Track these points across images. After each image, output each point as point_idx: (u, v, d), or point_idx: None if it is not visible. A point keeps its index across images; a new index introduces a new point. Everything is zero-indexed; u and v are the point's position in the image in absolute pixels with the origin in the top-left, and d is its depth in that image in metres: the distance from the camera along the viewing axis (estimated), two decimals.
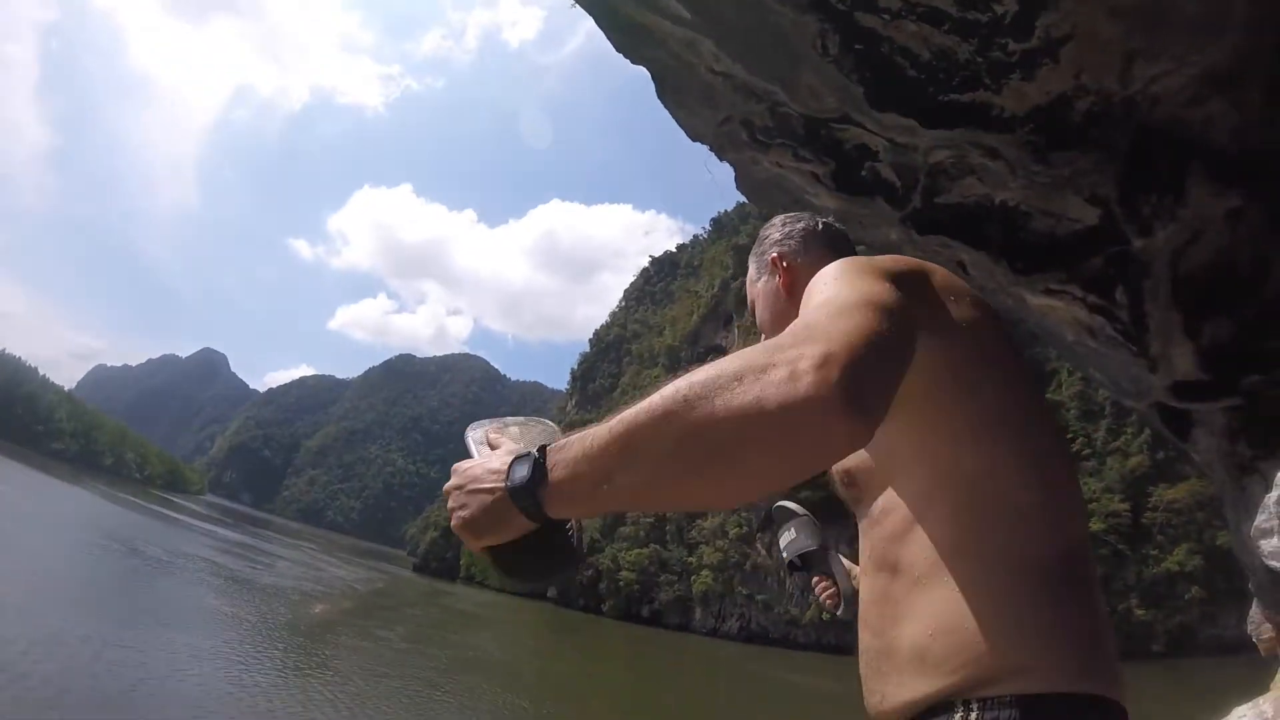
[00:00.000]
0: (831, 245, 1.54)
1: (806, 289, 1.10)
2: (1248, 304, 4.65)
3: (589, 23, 5.70)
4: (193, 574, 36.77)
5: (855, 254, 1.48)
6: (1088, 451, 68.60)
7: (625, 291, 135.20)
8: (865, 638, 1.16)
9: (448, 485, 0.99)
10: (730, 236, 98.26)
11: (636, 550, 71.08)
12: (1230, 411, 5.45)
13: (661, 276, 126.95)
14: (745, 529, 67.24)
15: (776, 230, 1.62)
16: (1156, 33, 3.95)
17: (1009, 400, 1.10)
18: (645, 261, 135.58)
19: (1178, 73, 4.04)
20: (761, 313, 1.55)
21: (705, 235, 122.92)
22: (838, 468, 1.24)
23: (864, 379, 0.77)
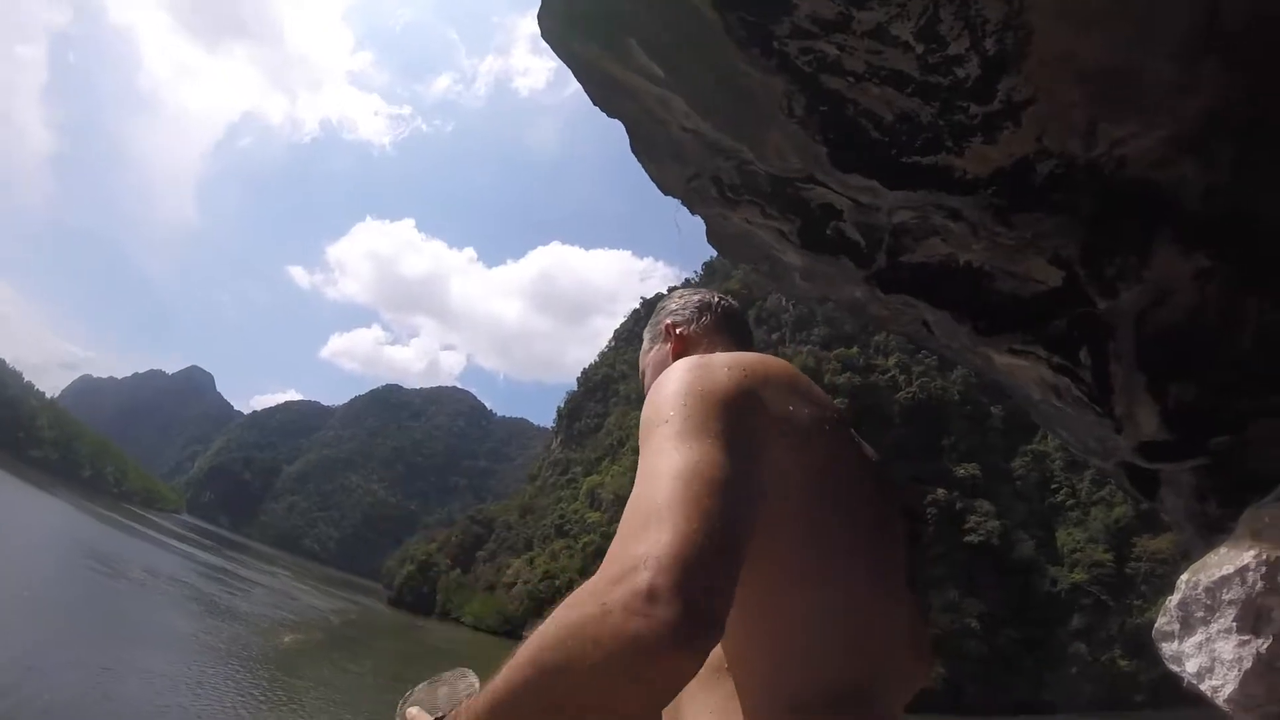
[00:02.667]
0: (727, 323, 1.56)
1: (656, 383, 1.11)
2: (1216, 365, 4.65)
3: None
4: (165, 595, 36.28)
5: (750, 336, 1.58)
6: (1071, 502, 69.12)
7: (615, 332, 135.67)
8: None
9: None
10: (722, 280, 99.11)
11: None
12: (1198, 471, 5.44)
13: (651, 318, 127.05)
14: None
15: (674, 301, 1.64)
16: (1122, 97, 3.99)
17: (822, 549, 1.06)
18: (637, 304, 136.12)
19: (1145, 135, 4.06)
20: (648, 380, 1.53)
21: (697, 279, 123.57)
22: None
23: (699, 600, 0.77)
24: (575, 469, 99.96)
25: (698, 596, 0.76)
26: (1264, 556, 1.64)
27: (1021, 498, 70.93)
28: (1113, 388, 5.05)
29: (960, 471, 69.06)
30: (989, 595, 60.43)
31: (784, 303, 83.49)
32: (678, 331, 1.54)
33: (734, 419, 1.01)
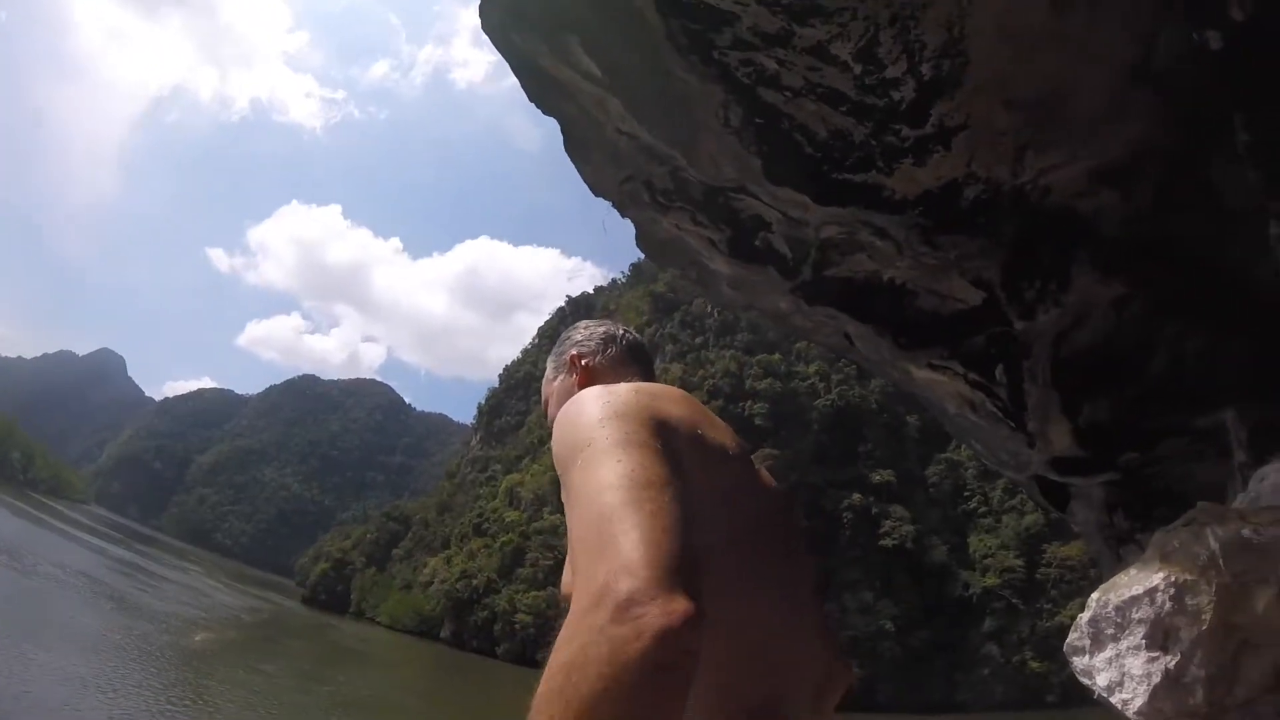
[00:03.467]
0: (631, 356, 1.58)
1: (565, 414, 1.14)
2: (1129, 386, 4.83)
3: None
4: (75, 590, 34.63)
5: (653, 370, 1.61)
6: (984, 509, 71.71)
7: (539, 330, 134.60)
8: None
9: None
10: (648, 283, 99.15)
11: (534, 593, 69.70)
12: (1108, 486, 5.68)
13: (577, 317, 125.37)
14: None
15: (579, 332, 1.65)
16: (1052, 126, 4.12)
17: (727, 567, 1.06)
18: (563, 301, 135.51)
19: (1071, 165, 4.21)
20: (553, 410, 1.51)
21: (624, 279, 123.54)
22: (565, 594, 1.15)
23: (675, 584, 0.83)
24: (495, 467, 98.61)
25: (673, 582, 0.82)
26: (1172, 579, 1.73)
27: (935, 504, 73.30)
28: (1026, 404, 5.23)
29: (876, 477, 70.92)
30: (903, 598, 62.30)
31: (709, 308, 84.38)
32: (583, 363, 1.55)
33: (653, 434, 1.05)
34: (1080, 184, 4.28)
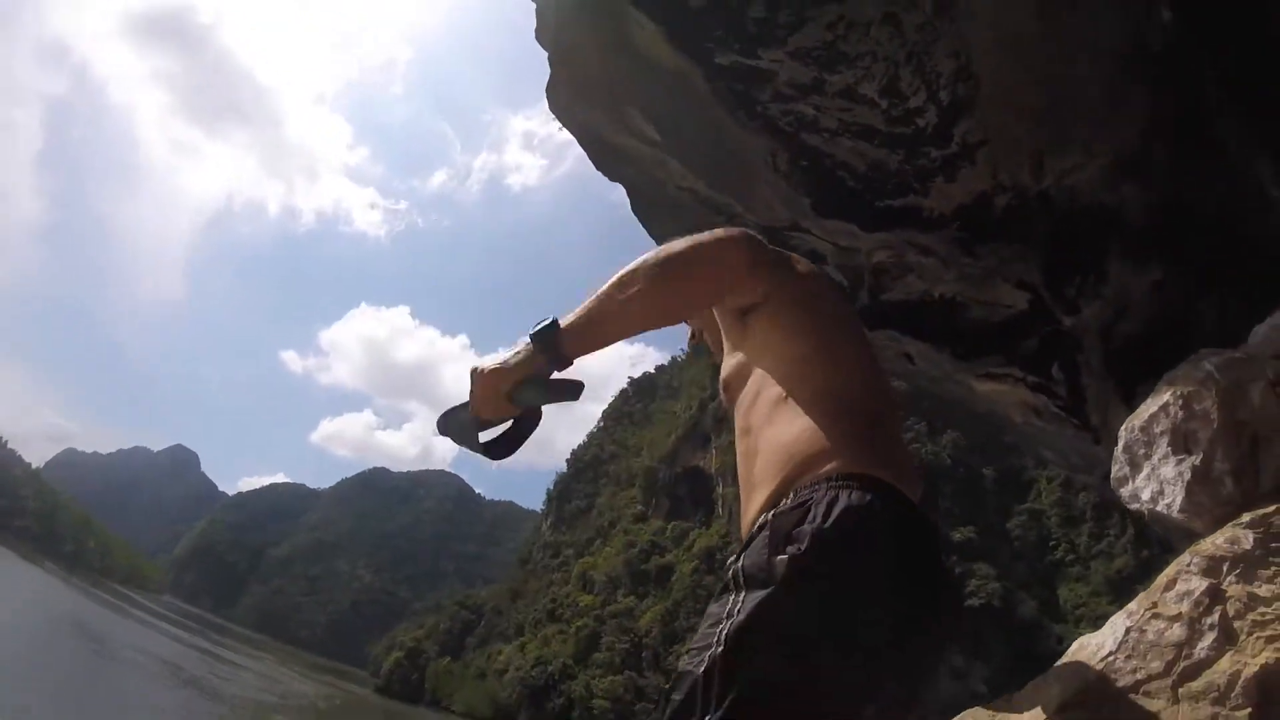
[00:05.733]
0: None
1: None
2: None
3: (579, 154, 6.39)
4: (154, 675, 35.24)
5: None
6: (1071, 558, 68.62)
7: (604, 413, 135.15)
8: (740, 491, 1.49)
9: (474, 368, 1.37)
10: (708, 358, 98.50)
11: (612, 677, 68.23)
12: None
13: (640, 398, 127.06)
14: None
15: None
16: (1061, 127, 4.55)
17: (824, 323, 1.51)
18: (625, 384, 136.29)
19: (1088, 164, 4.60)
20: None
21: (683, 357, 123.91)
22: (722, 379, 1.66)
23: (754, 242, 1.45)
24: (567, 551, 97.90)
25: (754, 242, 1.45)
26: (1179, 392, 2.06)
27: (1021, 557, 70.36)
28: (1086, 398, 5.49)
29: (957, 535, 68.56)
30: (995, 657, 59.42)
31: None
32: None
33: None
34: (1101, 179, 4.67)
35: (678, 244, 1.35)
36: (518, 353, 1.32)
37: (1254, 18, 3.84)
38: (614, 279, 1.33)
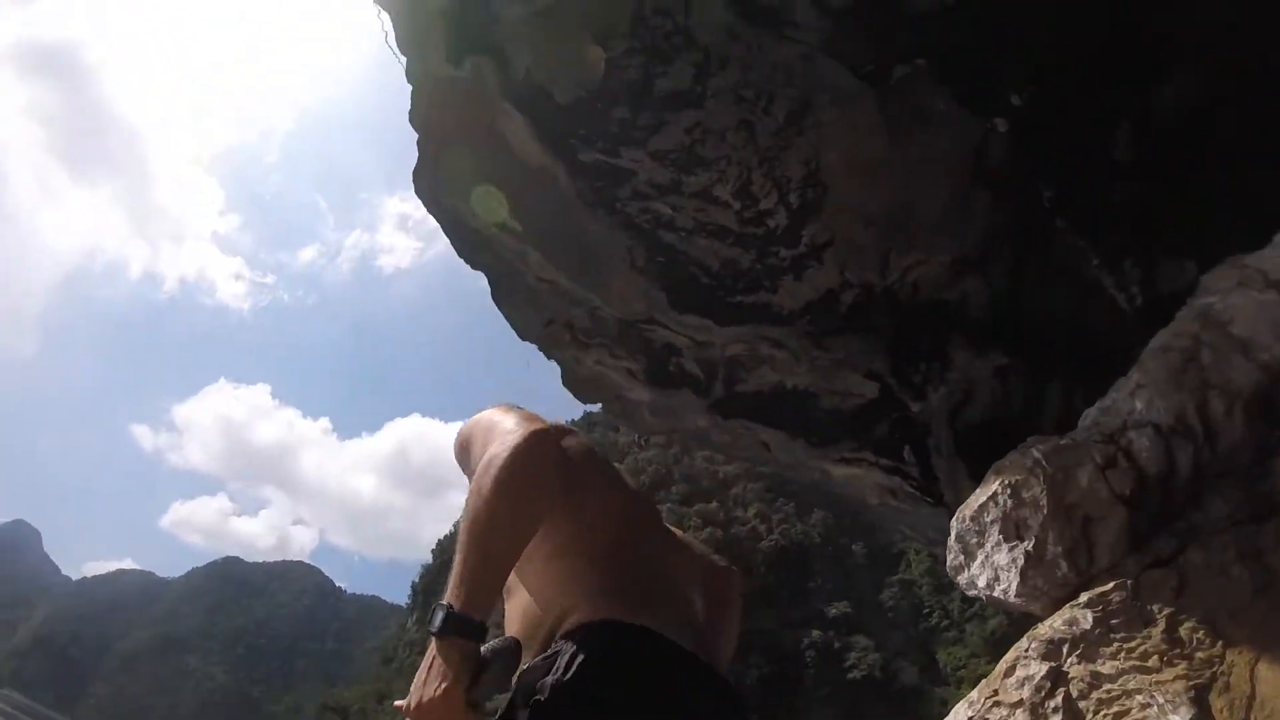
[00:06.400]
0: None
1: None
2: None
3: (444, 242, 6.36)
4: None
5: None
6: (946, 623, 70.99)
7: None
8: None
9: (408, 703, 1.30)
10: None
11: None
12: None
13: None
14: None
15: None
16: (905, 232, 4.86)
17: (586, 524, 1.53)
18: None
19: (930, 261, 4.93)
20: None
21: None
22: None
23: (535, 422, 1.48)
24: None
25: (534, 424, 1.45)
26: (1007, 481, 2.14)
27: (896, 627, 72.22)
28: (939, 478, 5.73)
29: (832, 611, 69.87)
30: None
31: (640, 463, 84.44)
32: None
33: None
34: (942, 277, 5.01)
35: (496, 465, 1.35)
36: (435, 661, 1.27)
37: (1082, 133, 4.28)
38: (464, 529, 1.35)
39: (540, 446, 1.38)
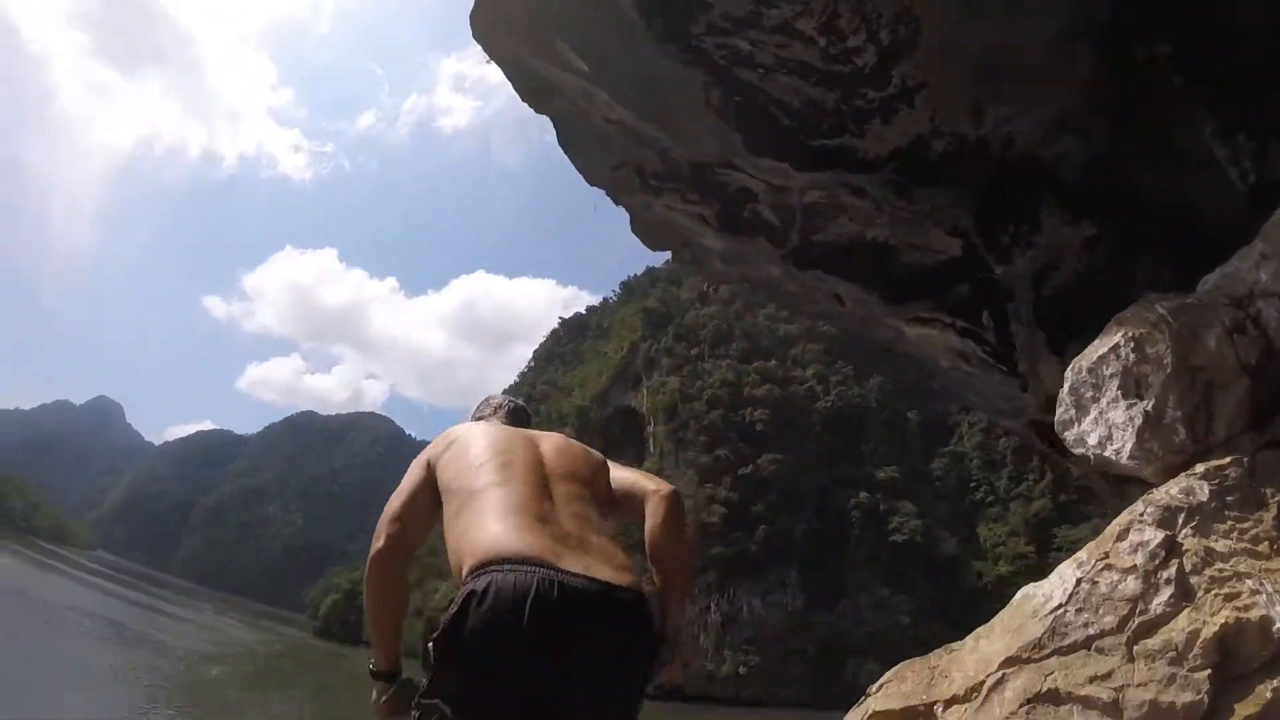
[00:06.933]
0: (490, 410, 2.77)
1: None
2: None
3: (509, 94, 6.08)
4: (87, 632, 34.60)
5: (512, 417, 2.70)
6: (991, 499, 71.75)
7: (535, 353, 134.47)
8: None
9: None
10: (640, 299, 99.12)
11: None
12: None
13: (571, 338, 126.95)
14: None
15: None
16: (1002, 82, 4.47)
17: (458, 471, 2.07)
18: (556, 324, 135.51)
19: (1027, 115, 4.54)
20: None
21: (615, 298, 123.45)
22: None
23: (387, 525, 2.00)
24: None
25: (388, 522, 2.00)
26: (1130, 334, 1.99)
27: (942, 497, 73.37)
28: (1015, 346, 5.51)
29: (881, 475, 71.01)
30: (917, 591, 62.24)
31: (700, 318, 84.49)
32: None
33: (430, 448, 2.24)
34: (1039, 133, 4.60)
35: (368, 561, 1.97)
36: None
37: None
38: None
39: (387, 553, 1.95)
